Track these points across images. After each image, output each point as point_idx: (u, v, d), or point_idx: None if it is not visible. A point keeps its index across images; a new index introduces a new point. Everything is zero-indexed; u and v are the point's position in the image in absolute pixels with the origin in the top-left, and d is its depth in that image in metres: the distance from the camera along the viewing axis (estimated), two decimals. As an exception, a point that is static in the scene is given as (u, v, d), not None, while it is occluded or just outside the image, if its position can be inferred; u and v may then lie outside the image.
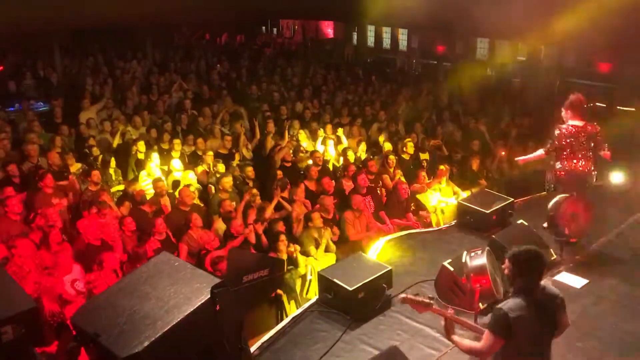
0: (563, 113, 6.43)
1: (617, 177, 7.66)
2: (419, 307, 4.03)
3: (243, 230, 6.98)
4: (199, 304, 3.38)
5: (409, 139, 9.99)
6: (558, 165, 6.43)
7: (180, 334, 3.30)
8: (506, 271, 3.63)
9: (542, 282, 3.63)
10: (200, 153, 9.43)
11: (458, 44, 18.61)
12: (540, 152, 6.55)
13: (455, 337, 3.75)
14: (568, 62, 15.63)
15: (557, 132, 6.30)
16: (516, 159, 7.03)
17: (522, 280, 3.54)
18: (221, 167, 8.72)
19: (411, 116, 11.91)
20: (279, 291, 6.40)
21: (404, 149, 9.75)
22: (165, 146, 9.50)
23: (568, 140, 6.24)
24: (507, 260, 3.61)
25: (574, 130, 6.24)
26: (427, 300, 3.98)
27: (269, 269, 3.60)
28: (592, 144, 6.30)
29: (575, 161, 6.28)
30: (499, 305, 3.52)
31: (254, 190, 7.93)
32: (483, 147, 10.34)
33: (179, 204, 7.65)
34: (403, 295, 4.10)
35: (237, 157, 9.50)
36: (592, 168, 6.36)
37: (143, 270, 3.82)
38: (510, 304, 3.48)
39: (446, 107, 12.62)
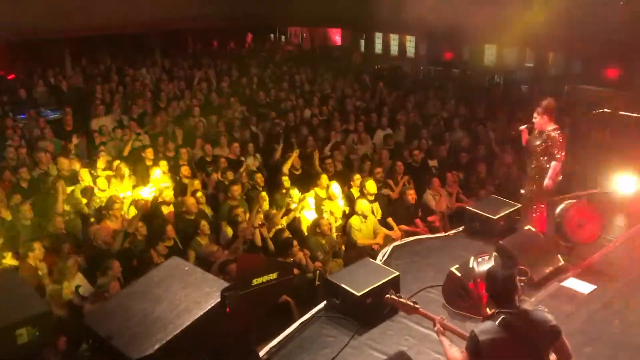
0: (538, 119, 6.42)
1: (626, 183, 7.64)
2: (404, 309, 4.08)
3: (248, 233, 7.03)
4: (209, 307, 3.43)
5: (417, 147, 10.02)
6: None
7: (190, 337, 3.35)
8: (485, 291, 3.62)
9: (530, 308, 3.56)
10: (208, 159, 9.52)
11: (465, 50, 18.63)
12: (554, 164, 6.43)
13: (445, 341, 3.75)
14: (575, 69, 15.63)
15: (557, 137, 6.32)
16: (544, 185, 6.58)
17: (495, 302, 3.49)
18: (230, 174, 8.79)
19: (419, 122, 11.94)
20: (287, 297, 6.47)
21: (412, 156, 9.78)
22: (171, 154, 9.58)
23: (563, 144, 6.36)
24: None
25: (562, 133, 6.34)
26: (411, 304, 4.02)
27: (278, 273, 3.64)
28: None
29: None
30: (474, 328, 3.48)
31: (264, 194, 7.98)
32: (490, 153, 10.34)
33: (184, 212, 7.68)
34: (387, 295, 4.17)
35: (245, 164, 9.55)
36: None
37: (154, 275, 3.88)
38: (482, 326, 3.44)
39: (454, 113, 12.64)
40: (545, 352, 3.44)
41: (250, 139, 10.49)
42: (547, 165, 6.48)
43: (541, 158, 6.52)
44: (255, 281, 3.51)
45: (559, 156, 6.33)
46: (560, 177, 6.57)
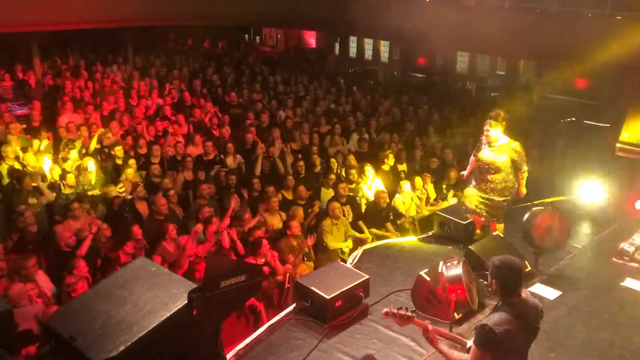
0: (491, 131, 6.36)
1: (592, 191, 7.79)
2: (402, 322, 4.13)
3: (216, 235, 6.97)
4: (176, 309, 3.36)
5: (389, 151, 10.07)
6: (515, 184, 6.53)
7: (156, 339, 3.29)
8: (492, 286, 3.64)
9: (523, 294, 3.65)
10: (179, 158, 9.42)
11: (439, 57, 18.84)
12: (472, 158, 6.53)
13: (443, 348, 3.81)
14: (546, 77, 15.94)
15: (519, 149, 6.34)
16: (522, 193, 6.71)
17: (505, 291, 3.56)
18: (201, 174, 8.71)
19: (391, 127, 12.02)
20: (255, 300, 6.43)
21: (385, 160, 9.82)
22: (143, 151, 9.45)
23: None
24: (489, 274, 3.63)
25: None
26: (409, 314, 4.06)
27: (247, 275, 3.60)
28: None
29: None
30: (484, 321, 3.53)
31: (236, 197, 7.93)
32: (461, 158, 10.44)
33: (153, 212, 7.59)
34: (386, 309, 4.19)
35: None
36: None
37: (119, 275, 3.80)
38: (494, 318, 3.49)
39: (426, 119, 12.75)
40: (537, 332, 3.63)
41: (230, 139, 10.41)
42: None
43: (498, 171, 6.53)
44: (223, 283, 3.47)
45: (525, 168, 6.37)
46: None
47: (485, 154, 6.54)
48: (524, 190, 6.55)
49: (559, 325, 5.40)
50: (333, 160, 9.72)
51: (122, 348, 3.17)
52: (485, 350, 3.46)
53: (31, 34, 14.54)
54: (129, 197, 7.99)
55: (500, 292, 3.57)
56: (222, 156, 9.64)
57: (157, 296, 3.47)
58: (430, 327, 3.89)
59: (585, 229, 7.58)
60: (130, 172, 8.45)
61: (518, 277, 3.58)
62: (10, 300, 5.14)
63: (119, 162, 8.93)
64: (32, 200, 7.43)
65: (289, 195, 8.53)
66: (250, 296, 5.04)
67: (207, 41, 20.67)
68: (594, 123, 12.65)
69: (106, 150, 9.42)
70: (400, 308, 4.22)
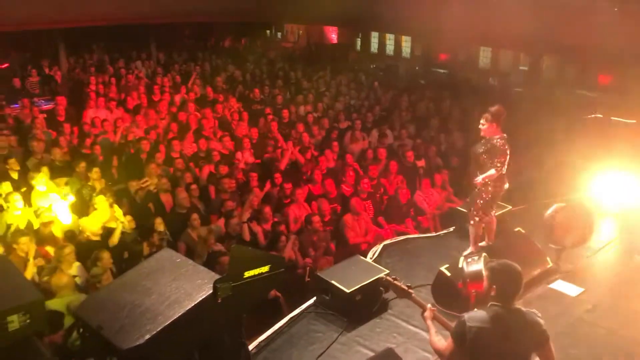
0: (486, 126, 5.85)
1: (616, 188, 7.70)
2: (397, 292, 4.12)
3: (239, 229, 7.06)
4: (200, 299, 3.44)
5: (409, 148, 10.06)
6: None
7: (181, 329, 3.37)
8: (484, 281, 3.54)
9: (523, 309, 3.50)
10: (202, 155, 9.52)
11: (461, 52, 18.70)
12: (492, 172, 5.81)
13: (431, 327, 3.74)
14: (569, 73, 15.75)
15: (499, 145, 5.77)
16: (475, 180, 6.13)
17: (494, 293, 3.43)
18: (223, 169, 8.79)
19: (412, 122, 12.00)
20: (277, 292, 6.50)
21: (405, 155, 9.83)
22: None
23: (504, 155, 5.80)
24: (487, 279, 3.52)
25: (506, 143, 5.82)
26: (405, 288, 4.06)
27: (270, 266, 3.66)
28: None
29: (504, 178, 5.94)
30: (463, 314, 3.48)
31: (256, 191, 8.01)
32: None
33: (175, 206, 7.71)
34: (382, 276, 4.16)
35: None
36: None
37: (145, 266, 3.89)
38: (473, 314, 3.44)
39: (448, 114, 12.69)
40: (529, 354, 3.43)
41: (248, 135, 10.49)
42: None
43: (485, 167, 5.96)
44: (247, 274, 3.53)
45: (499, 165, 5.78)
46: (507, 186, 6.01)
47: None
48: (479, 179, 5.96)
49: (581, 322, 5.39)
50: (349, 155, 9.73)
51: (147, 337, 3.25)
52: (453, 339, 3.43)
53: (57, 30, 14.79)
54: (153, 190, 8.09)
55: (494, 294, 3.44)
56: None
57: (182, 287, 3.55)
58: (429, 306, 3.88)
59: (608, 226, 7.50)
60: (154, 166, 8.56)
61: (516, 285, 3.43)
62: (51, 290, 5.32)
63: (144, 156, 9.03)
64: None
65: (316, 190, 8.59)
66: (273, 287, 5.11)
67: (229, 38, 20.81)
68: (620, 119, 12.46)
69: (130, 145, 9.55)
70: (395, 278, 4.22)
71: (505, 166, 5.85)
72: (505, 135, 5.84)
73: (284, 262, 5.64)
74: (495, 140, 5.78)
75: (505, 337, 3.34)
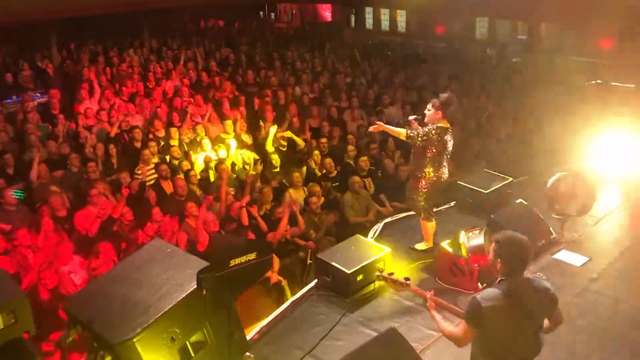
0: (431, 112, 5.64)
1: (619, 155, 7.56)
2: (395, 287, 4.10)
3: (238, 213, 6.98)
4: (191, 290, 3.37)
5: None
6: (428, 170, 5.73)
7: (172, 320, 3.30)
8: (490, 255, 3.45)
9: (530, 275, 3.48)
10: (199, 139, 9.40)
11: (457, 24, 18.43)
12: (403, 131, 5.64)
13: (437, 317, 3.65)
14: (569, 40, 15.47)
15: (433, 134, 5.56)
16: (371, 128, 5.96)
17: (503, 266, 3.35)
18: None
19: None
20: (280, 277, 6.43)
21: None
22: (161, 134, 9.46)
23: (439, 145, 5.64)
24: (492, 244, 3.43)
25: (444, 134, 5.64)
26: (402, 281, 4.03)
27: (257, 253, 3.58)
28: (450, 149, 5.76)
29: (441, 170, 5.75)
30: (474, 294, 3.41)
31: (253, 174, 7.93)
32: (482, 126, 10.25)
33: (173, 194, 7.61)
34: (377, 273, 4.20)
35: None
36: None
37: (135, 258, 3.82)
38: (484, 293, 3.35)
39: (446, 88, 12.51)
40: (543, 321, 3.44)
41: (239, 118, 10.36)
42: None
43: (419, 153, 5.77)
44: (233, 262, 3.46)
45: (429, 155, 5.63)
46: (446, 176, 5.84)
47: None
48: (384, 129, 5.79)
49: (587, 292, 5.32)
50: (350, 136, 9.59)
51: (139, 330, 3.18)
52: (471, 324, 3.32)
53: (48, 22, 14.59)
54: (151, 179, 8.01)
55: (503, 270, 3.36)
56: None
57: (173, 277, 3.48)
58: (429, 295, 3.80)
59: (612, 193, 7.37)
60: (149, 154, 8.45)
61: (524, 257, 3.35)
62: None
63: (138, 145, 8.93)
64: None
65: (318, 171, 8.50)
66: (262, 274, 5.02)
67: (221, 21, 20.54)
68: (620, 84, 12.26)
69: (125, 134, 9.44)
70: (391, 274, 4.18)
71: (444, 157, 5.70)
72: (448, 126, 5.65)
73: (272, 247, 5.57)
74: (432, 128, 5.59)
75: (520, 311, 3.30)
